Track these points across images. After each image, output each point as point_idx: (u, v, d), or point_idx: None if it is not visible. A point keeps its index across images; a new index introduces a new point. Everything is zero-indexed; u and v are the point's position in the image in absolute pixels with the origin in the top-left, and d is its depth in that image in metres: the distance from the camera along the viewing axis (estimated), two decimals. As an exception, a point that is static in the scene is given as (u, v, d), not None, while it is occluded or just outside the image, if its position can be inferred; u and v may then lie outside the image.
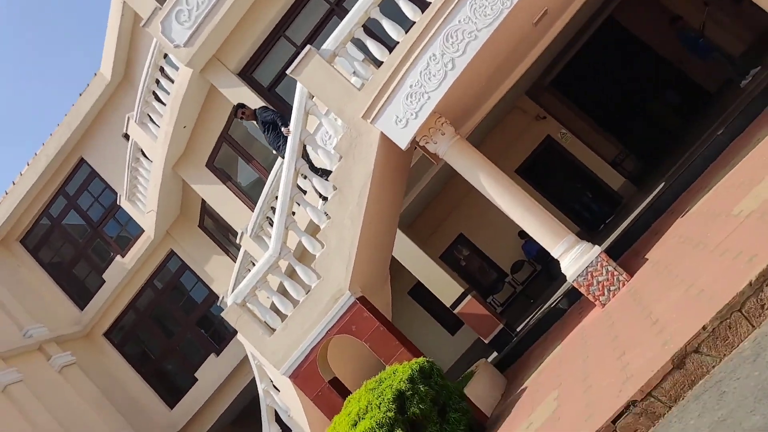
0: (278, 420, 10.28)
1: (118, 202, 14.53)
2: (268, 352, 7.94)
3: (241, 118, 9.54)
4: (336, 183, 7.65)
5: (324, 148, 8.16)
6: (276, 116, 9.17)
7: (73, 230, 15.82)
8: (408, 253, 10.99)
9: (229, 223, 13.24)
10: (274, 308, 8.75)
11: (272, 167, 11.54)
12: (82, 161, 15.24)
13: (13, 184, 15.28)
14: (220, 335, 14.76)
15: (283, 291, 9.21)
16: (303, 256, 9.28)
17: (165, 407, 14.78)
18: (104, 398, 13.87)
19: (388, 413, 6.33)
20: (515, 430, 5.68)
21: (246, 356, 12.43)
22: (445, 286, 10.89)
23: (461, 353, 14.15)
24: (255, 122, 9.47)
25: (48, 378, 13.50)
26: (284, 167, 7.95)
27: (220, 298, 13.19)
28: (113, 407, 13.90)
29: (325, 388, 7.94)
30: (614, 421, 3.53)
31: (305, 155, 8.28)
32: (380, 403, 6.49)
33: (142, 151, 13.19)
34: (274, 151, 9.42)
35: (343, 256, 7.61)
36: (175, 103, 11.84)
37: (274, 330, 8.04)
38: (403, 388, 6.55)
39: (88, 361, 14.50)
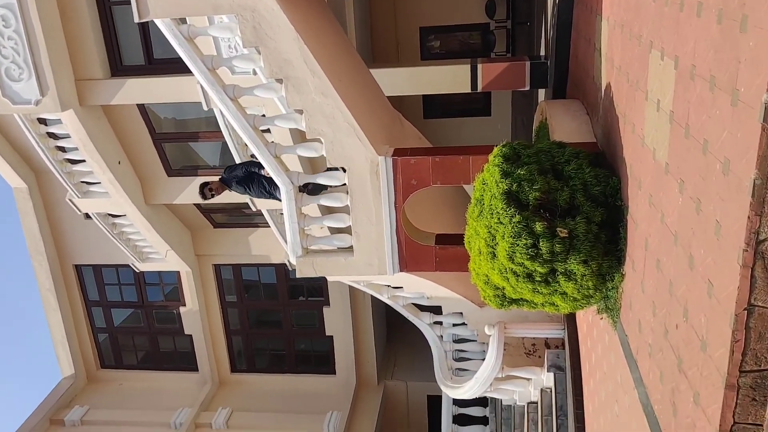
0: (424, 308, 9.66)
1: (137, 271, 13.66)
2: (364, 268, 7.07)
3: (213, 196, 8.19)
4: (278, 75, 6.36)
5: (238, 55, 6.79)
6: (244, 168, 7.89)
7: (130, 322, 15.17)
8: (393, 81, 9.71)
9: (233, 201, 12.18)
10: (334, 230, 7.83)
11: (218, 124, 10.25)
12: (79, 267, 14.31)
13: (50, 330, 14.57)
14: (316, 288, 14.15)
15: (328, 211, 8.23)
16: (315, 165, 8.19)
17: (329, 378, 14.56)
18: (276, 415, 13.63)
19: (513, 220, 5.41)
20: (643, 117, 4.65)
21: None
22: (450, 79, 9.65)
23: (510, 121, 13.11)
24: (229, 189, 8.09)
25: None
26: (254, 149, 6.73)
27: (288, 264, 12.47)
28: (290, 414, 13.67)
29: (438, 252, 7.09)
30: None
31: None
32: (499, 218, 5.56)
33: (109, 214, 12.06)
34: (271, 198, 8.14)
35: (346, 131, 6.46)
36: (90, 151, 10.50)
37: (351, 247, 7.12)
38: (505, 187, 5.58)
39: (240, 401, 14.23)
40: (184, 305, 14.25)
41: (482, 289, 6.31)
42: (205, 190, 8.05)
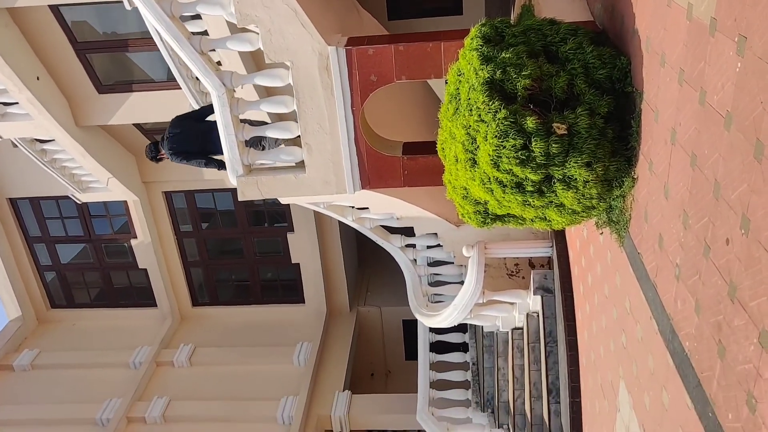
0: (394, 230, 8.66)
1: (79, 202, 12.37)
2: (319, 186, 5.96)
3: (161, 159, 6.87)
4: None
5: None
6: (176, 147, 6.49)
7: (79, 258, 13.99)
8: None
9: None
10: (285, 142, 6.65)
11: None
12: (14, 201, 12.98)
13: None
14: (279, 212, 13.04)
15: (274, 120, 7.00)
16: (257, 62, 6.91)
17: (299, 307, 13.69)
18: (243, 349, 12.77)
19: (498, 116, 4.29)
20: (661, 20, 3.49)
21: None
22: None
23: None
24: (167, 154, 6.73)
25: (186, 375, 12.50)
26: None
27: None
28: (258, 347, 12.83)
29: (406, 164, 5.98)
30: None
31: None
32: (480, 114, 4.44)
33: (36, 140, 10.67)
34: (218, 157, 6.66)
35: (286, 16, 5.19)
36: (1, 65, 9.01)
37: (302, 162, 5.97)
38: (486, 74, 4.44)
39: (204, 336, 13.34)
40: (136, 237, 13.07)
41: (460, 205, 5.26)
42: (157, 158, 6.82)
